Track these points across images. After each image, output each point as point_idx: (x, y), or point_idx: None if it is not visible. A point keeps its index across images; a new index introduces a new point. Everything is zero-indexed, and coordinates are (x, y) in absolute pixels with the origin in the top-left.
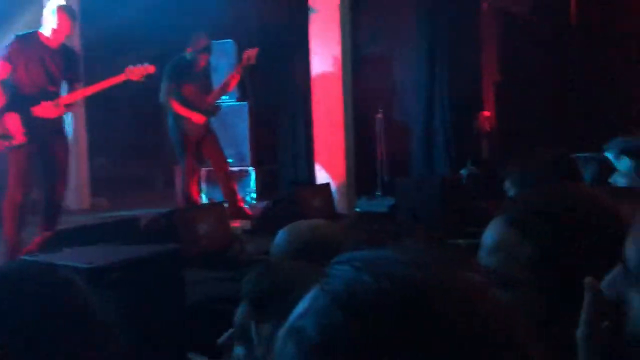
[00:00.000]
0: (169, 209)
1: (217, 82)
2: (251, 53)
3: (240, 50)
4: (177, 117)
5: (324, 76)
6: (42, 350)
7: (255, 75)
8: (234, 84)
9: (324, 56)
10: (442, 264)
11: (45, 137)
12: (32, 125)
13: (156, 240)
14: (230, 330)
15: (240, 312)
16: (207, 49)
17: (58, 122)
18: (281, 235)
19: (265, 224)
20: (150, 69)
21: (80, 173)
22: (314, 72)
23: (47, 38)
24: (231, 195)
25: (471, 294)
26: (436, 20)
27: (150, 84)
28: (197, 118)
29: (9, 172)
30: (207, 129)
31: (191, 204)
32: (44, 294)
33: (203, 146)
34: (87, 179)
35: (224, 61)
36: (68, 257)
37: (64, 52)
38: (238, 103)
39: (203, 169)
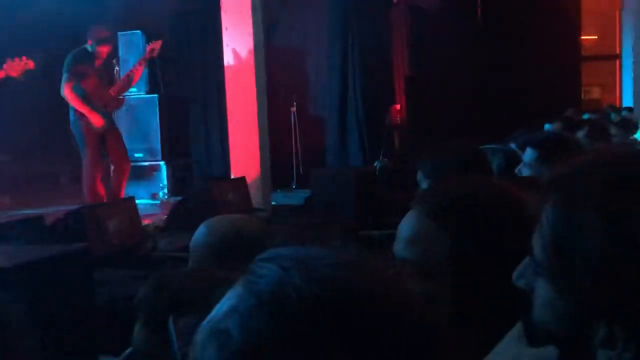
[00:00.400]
0: (76, 206)
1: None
2: (155, 45)
3: (149, 41)
4: (78, 111)
5: (237, 68)
6: None
7: (166, 66)
8: (137, 77)
9: (237, 48)
10: (369, 264)
11: None
12: None
13: (63, 239)
14: (129, 350)
15: (137, 332)
16: (108, 40)
17: None
18: (201, 230)
19: (179, 220)
20: (30, 64)
21: None
22: (227, 63)
23: None
24: (116, 193)
25: (398, 295)
26: (348, 14)
27: (55, 75)
28: (96, 120)
29: None
30: (110, 124)
31: (98, 200)
32: None
33: (105, 141)
34: None
35: (133, 52)
36: None
37: None
38: (148, 95)
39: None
